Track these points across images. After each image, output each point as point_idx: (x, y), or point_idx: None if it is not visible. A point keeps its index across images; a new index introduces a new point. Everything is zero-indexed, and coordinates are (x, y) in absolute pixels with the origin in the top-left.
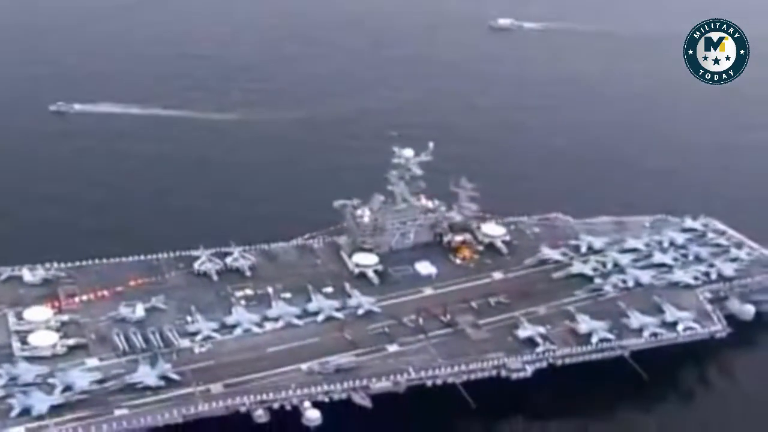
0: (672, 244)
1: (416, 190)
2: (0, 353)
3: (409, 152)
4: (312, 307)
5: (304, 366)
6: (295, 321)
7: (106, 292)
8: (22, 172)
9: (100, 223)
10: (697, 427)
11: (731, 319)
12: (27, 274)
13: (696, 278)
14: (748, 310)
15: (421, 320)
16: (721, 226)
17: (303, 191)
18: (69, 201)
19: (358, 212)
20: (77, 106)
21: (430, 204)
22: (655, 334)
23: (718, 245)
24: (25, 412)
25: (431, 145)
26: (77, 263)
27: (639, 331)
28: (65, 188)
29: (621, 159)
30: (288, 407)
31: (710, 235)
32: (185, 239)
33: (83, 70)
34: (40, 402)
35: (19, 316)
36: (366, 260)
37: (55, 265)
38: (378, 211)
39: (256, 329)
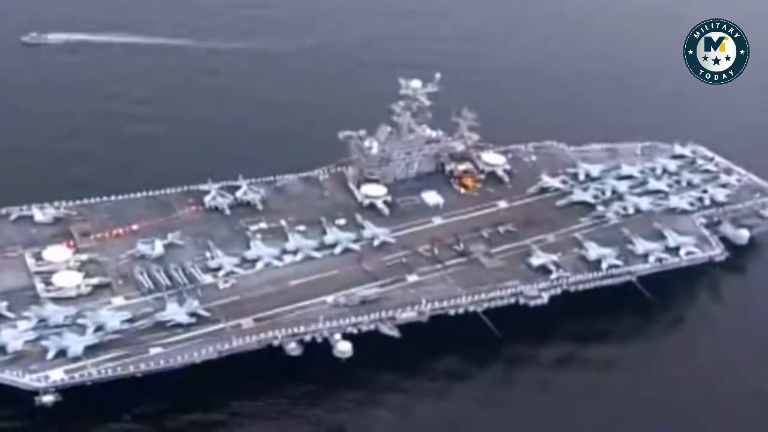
0: (665, 170)
1: (421, 121)
2: (24, 295)
3: (416, 83)
4: (328, 239)
5: (329, 298)
6: (314, 254)
7: (120, 230)
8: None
9: (97, 159)
10: (694, 342)
11: (724, 242)
12: (38, 214)
13: (691, 204)
14: (743, 235)
15: (436, 250)
16: (708, 153)
17: (302, 123)
18: (60, 138)
19: (366, 143)
20: (51, 36)
21: (433, 134)
22: (659, 259)
23: (708, 171)
24: (61, 353)
25: (438, 75)
26: (86, 201)
27: (644, 257)
28: (53, 125)
29: (603, 85)
30: (319, 340)
31: (699, 161)
32: (188, 173)
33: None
34: (75, 343)
35: (38, 257)
36: (375, 191)
37: (64, 203)
38: (385, 142)
39: (276, 263)
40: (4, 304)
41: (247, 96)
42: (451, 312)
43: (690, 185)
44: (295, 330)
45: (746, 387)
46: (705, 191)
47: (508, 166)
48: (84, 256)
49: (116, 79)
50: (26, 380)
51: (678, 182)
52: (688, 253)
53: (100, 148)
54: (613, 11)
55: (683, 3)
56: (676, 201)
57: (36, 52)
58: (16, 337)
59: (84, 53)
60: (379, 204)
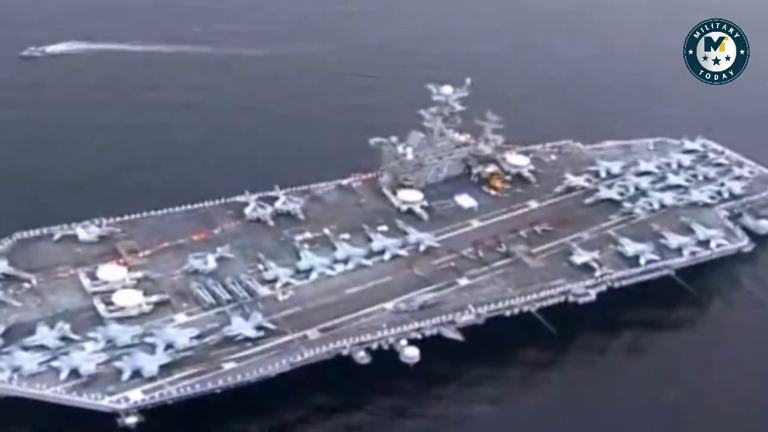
0: (680, 165)
1: (450, 125)
2: (85, 316)
3: (448, 89)
4: (376, 246)
5: (388, 305)
6: (364, 261)
7: (167, 244)
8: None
9: (129, 175)
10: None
11: (746, 233)
12: (82, 233)
13: (712, 197)
14: (764, 225)
15: (480, 253)
16: (718, 146)
17: (322, 130)
18: (87, 154)
19: (400, 149)
20: (49, 49)
21: (462, 138)
22: (693, 253)
23: (720, 165)
24: (136, 374)
25: (468, 80)
26: (126, 217)
27: (678, 251)
28: (76, 140)
29: (602, 83)
30: (385, 347)
31: (711, 155)
32: (216, 185)
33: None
34: (148, 363)
35: (93, 277)
36: (411, 197)
37: (105, 220)
38: (418, 148)
39: (329, 272)
40: (68, 326)
41: (262, 103)
42: (507, 313)
43: (707, 179)
44: (362, 338)
45: None
46: (722, 184)
47: (532, 167)
48: (138, 274)
49: (134, 90)
50: (106, 402)
51: (695, 176)
52: (719, 245)
53: (129, 163)
54: (612, 11)
55: (683, 3)
56: (697, 195)
57: (38, 65)
58: (87, 359)
59: (88, 63)
60: (417, 209)
